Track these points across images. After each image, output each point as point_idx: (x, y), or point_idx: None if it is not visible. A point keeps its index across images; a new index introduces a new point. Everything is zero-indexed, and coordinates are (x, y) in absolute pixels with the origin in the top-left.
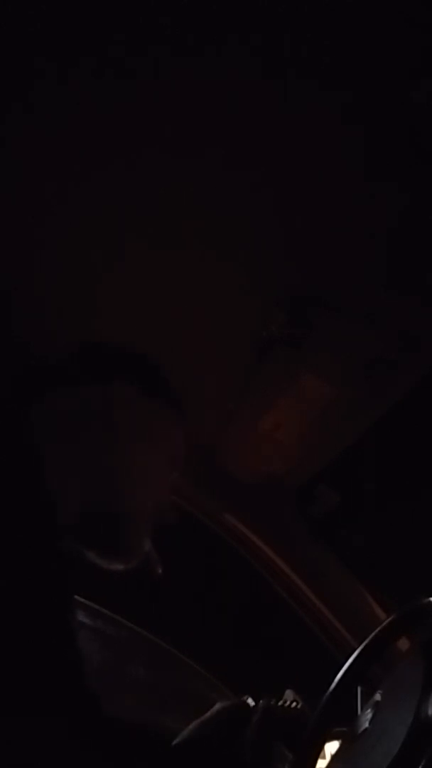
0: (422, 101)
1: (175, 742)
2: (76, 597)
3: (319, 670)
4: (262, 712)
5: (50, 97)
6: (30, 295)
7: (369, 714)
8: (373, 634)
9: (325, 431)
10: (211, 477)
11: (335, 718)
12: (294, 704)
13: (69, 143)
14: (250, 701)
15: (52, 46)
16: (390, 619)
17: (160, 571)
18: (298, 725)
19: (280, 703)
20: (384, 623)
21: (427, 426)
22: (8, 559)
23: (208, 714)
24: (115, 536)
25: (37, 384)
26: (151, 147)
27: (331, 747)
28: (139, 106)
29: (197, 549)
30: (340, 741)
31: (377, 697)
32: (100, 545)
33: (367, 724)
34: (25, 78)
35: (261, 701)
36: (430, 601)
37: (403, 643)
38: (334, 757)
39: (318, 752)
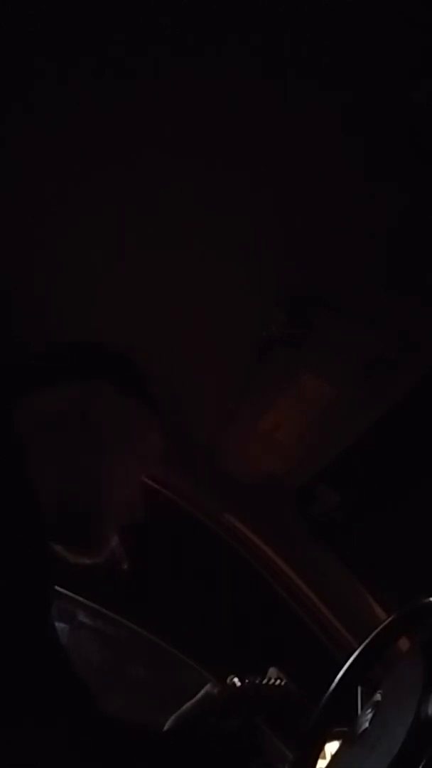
0: (422, 101)
1: (165, 729)
2: (76, 597)
3: (319, 670)
4: (248, 691)
5: (50, 97)
6: (30, 295)
7: (369, 714)
8: (373, 634)
9: (325, 431)
10: (211, 477)
11: (335, 718)
12: (278, 682)
13: (69, 143)
14: (236, 681)
15: (52, 46)
16: (390, 619)
17: (125, 566)
18: (283, 702)
19: (264, 681)
20: (384, 623)
21: (427, 426)
22: None
23: (195, 698)
24: (84, 531)
25: (19, 383)
26: (151, 147)
27: (331, 747)
28: (139, 106)
29: (197, 549)
30: (340, 741)
31: (377, 697)
32: (69, 539)
33: (367, 724)
34: (26, 78)
35: (246, 681)
36: (430, 601)
37: (403, 643)
38: (334, 757)
39: (318, 752)
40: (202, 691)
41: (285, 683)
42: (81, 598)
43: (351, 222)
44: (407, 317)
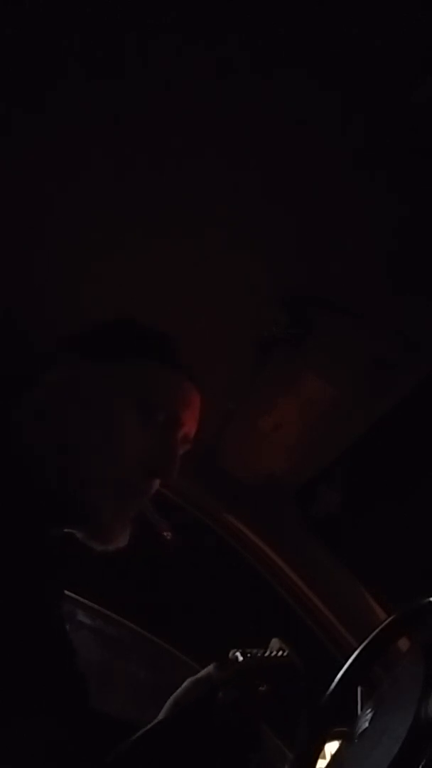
0: (422, 101)
1: (163, 716)
2: (76, 597)
3: (319, 670)
4: (250, 664)
5: (61, 100)
6: (29, 289)
7: (369, 714)
8: (373, 634)
9: (325, 431)
10: (211, 477)
11: (335, 718)
12: (281, 653)
13: (86, 142)
14: (239, 655)
15: (59, 53)
16: (390, 619)
17: (169, 536)
18: (287, 672)
19: (267, 653)
20: (384, 623)
21: (427, 426)
22: None
23: (196, 676)
24: (88, 508)
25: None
26: (156, 150)
27: (331, 747)
28: (147, 114)
29: (197, 549)
30: (340, 741)
31: (377, 697)
32: (77, 522)
33: (367, 724)
34: (31, 81)
35: (248, 654)
36: (430, 601)
37: (403, 643)
38: (334, 757)
39: (318, 752)
40: (204, 671)
41: (288, 654)
42: (81, 598)
43: (351, 222)
44: (407, 317)
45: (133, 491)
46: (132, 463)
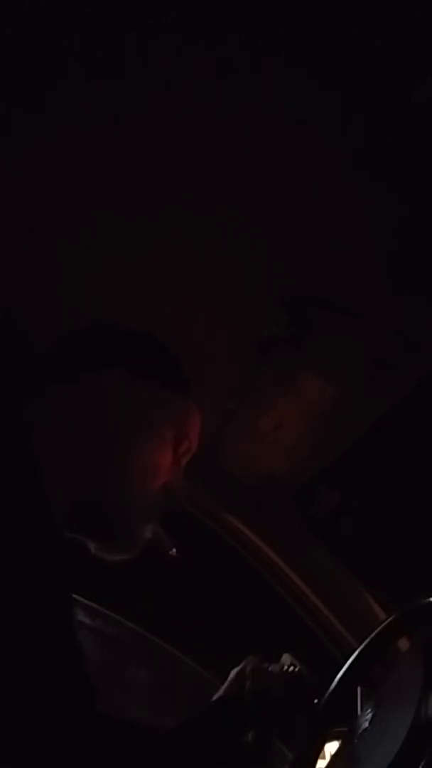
0: (422, 101)
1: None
2: (76, 597)
3: (319, 670)
4: (261, 678)
5: (61, 100)
6: (30, 286)
7: (369, 714)
8: (373, 634)
9: (325, 431)
10: (211, 477)
11: (335, 718)
12: (292, 668)
13: (86, 142)
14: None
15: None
16: (390, 619)
17: (173, 551)
18: (297, 689)
19: (279, 668)
20: (384, 623)
21: (427, 426)
22: (5, 556)
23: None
24: (111, 526)
25: (28, 377)
26: (156, 150)
27: (331, 747)
28: (147, 114)
29: (197, 549)
30: (340, 741)
31: (377, 697)
32: (97, 537)
33: (367, 724)
34: (31, 81)
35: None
36: (430, 601)
37: (403, 643)
38: (334, 757)
39: (318, 752)
40: (223, 689)
41: (299, 669)
42: (81, 598)
43: (351, 222)
44: (407, 317)
45: (155, 509)
46: (160, 483)
